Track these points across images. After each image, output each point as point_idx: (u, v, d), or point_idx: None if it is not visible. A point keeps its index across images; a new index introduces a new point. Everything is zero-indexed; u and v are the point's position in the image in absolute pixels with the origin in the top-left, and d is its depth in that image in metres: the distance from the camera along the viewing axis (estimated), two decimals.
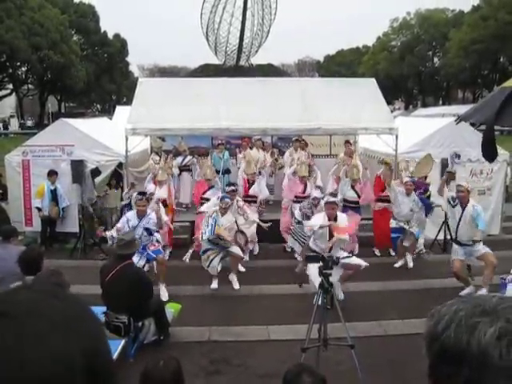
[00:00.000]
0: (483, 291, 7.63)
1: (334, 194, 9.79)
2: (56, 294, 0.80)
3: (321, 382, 3.00)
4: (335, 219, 7.91)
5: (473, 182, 11.53)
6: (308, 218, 8.99)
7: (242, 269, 9.45)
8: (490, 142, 4.93)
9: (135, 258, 8.10)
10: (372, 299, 8.12)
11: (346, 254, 7.90)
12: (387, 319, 7.35)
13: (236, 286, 8.82)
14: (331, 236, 7.74)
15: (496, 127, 5.92)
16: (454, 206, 8.26)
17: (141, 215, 8.47)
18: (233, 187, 9.60)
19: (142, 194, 9.03)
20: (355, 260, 7.96)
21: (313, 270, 7.16)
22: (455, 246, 8.31)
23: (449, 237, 10.73)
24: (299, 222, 9.28)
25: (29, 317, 0.73)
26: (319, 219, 7.96)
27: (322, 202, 8.68)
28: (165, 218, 9.07)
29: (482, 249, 8.14)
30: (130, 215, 8.58)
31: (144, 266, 8.18)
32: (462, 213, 8.12)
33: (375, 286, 8.81)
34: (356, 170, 10.52)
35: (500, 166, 11.71)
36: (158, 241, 8.62)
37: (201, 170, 11.14)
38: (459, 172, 11.25)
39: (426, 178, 10.60)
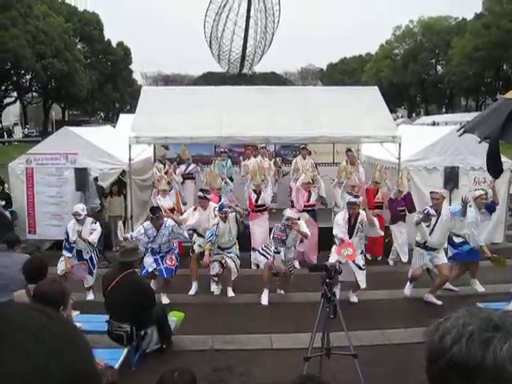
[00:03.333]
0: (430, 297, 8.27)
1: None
2: (43, 310, 0.80)
3: None
4: (356, 218, 8.36)
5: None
6: (283, 242, 8.58)
7: (230, 293, 8.99)
8: (495, 157, 4.87)
9: (149, 259, 8.44)
10: (375, 308, 8.10)
11: (361, 263, 8.32)
12: (391, 328, 7.32)
13: (230, 294, 8.98)
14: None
15: None
16: (428, 221, 8.25)
17: (158, 229, 8.46)
18: (200, 193, 9.41)
19: (156, 209, 8.91)
20: (360, 276, 8.27)
21: None
22: (421, 251, 8.40)
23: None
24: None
25: (12, 330, 0.72)
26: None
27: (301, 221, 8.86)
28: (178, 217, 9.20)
29: (442, 258, 8.38)
30: (147, 225, 8.57)
31: (152, 272, 8.42)
32: (438, 218, 8.24)
33: (379, 295, 8.79)
34: (353, 178, 10.74)
35: (503, 174, 11.66)
36: (176, 257, 8.68)
37: (211, 181, 10.74)
38: (462, 180, 11.26)
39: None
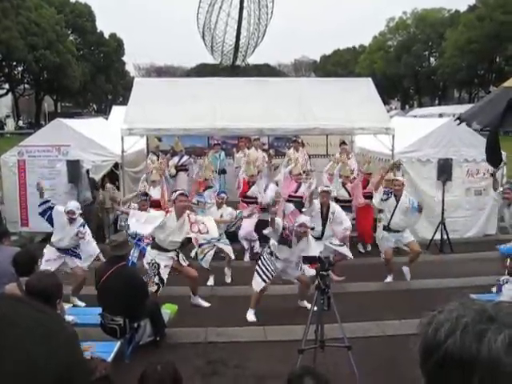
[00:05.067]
0: (389, 279, 9.05)
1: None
2: (31, 304, 0.77)
3: None
4: (327, 209, 8.86)
5: (469, 182, 11.57)
6: (287, 244, 7.51)
7: (228, 279, 9.20)
8: (495, 147, 4.83)
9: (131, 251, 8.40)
10: (369, 300, 8.10)
11: (338, 243, 8.82)
12: (385, 320, 7.34)
13: (228, 279, 9.16)
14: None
15: None
16: (386, 200, 8.94)
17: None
18: (181, 191, 8.13)
19: (145, 194, 9.27)
20: (344, 250, 8.79)
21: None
22: (386, 234, 9.03)
23: (445, 237, 10.78)
24: (271, 253, 7.66)
25: (4, 326, 0.69)
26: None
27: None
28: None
29: (409, 236, 9.06)
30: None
31: (138, 257, 8.59)
32: (397, 204, 8.84)
33: (372, 287, 8.82)
34: (348, 168, 10.86)
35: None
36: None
37: (203, 172, 10.95)
38: (456, 172, 11.25)
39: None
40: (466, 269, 9.35)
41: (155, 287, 7.31)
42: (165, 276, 7.43)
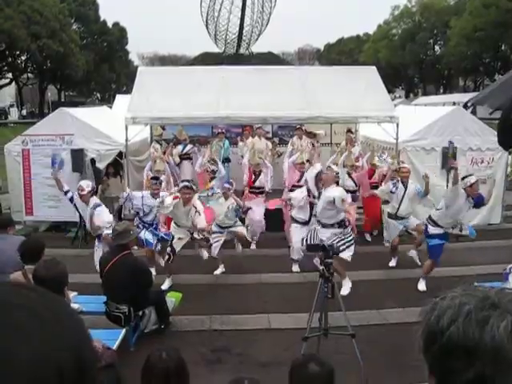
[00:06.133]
0: (393, 262, 9.31)
1: None
2: (36, 289, 0.77)
3: (329, 372, 2.94)
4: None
5: (474, 170, 11.51)
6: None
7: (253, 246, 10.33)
8: (507, 129, 4.69)
9: (148, 235, 8.73)
10: (372, 288, 8.12)
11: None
12: (388, 308, 7.36)
13: (239, 249, 9.66)
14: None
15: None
16: (395, 191, 9.06)
17: (156, 197, 8.74)
18: (186, 183, 8.46)
19: (156, 178, 9.28)
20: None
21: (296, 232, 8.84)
22: (394, 222, 9.22)
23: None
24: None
25: (6, 307, 0.69)
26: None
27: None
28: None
29: (415, 220, 9.35)
30: (146, 194, 8.94)
31: (157, 244, 8.81)
32: (405, 191, 8.99)
33: (375, 275, 8.84)
34: (352, 156, 10.87)
35: (501, 155, 11.64)
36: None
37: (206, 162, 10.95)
38: (460, 161, 11.22)
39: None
40: (470, 257, 9.34)
41: (167, 256, 8.22)
42: (177, 247, 8.23)
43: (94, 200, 8.23)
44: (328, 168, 9.15)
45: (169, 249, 8.21)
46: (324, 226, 8.02)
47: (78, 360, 0.70)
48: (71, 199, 8.45)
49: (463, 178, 8.06)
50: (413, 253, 9.27)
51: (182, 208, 8.21)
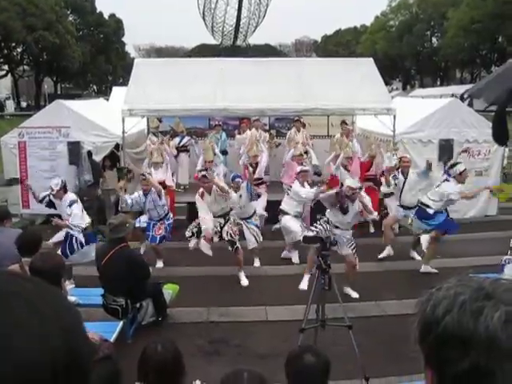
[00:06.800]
0: (386, 252, 9.24)
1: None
2: (30, 279, 0.77)
3: (324, 363, 2.97)
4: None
5: (470, 162, 11.53)
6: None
7: (257, 263, 9.15)
8: (501, 124, 4.65)
9: (143, 218, 9.03)
10: (370, 280, 8.14)
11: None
12: (385, 299, 7.39)
13: (256, 263, 9.16)
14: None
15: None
16: (396, 183, 9.14)
17: (146, 193, 8.87)
18: (204, 172, 8.66)
19: (142, 175, 9.34)
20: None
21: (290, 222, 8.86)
22: (403, 211, 9.20)
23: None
24: (327, 221, 7.65)
25: (2, 296, 0.68)
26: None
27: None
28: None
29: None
30: (139, 193, 9.02)
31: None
32: (405, 180, 9.05)
33: (373, 267, 8.85)
34: (349, 148, 10.72)
35: (497, 147, 11.65)
36: (166, 227, 9.04)
37: (204, 154, 10.67)
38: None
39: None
40: (466, 249, 9.36)
41: (189, 233, 8.55)
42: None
43: (70, 197, 8.00)
44: (327, 166, 9.15)
45: (195, 229, 8.51)
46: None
47: (73, 352, 0.70)
48: (50, 203, 8.23)
49: (453, 166, 8.49)
50: (414, 254, 9.37)
51: (208, 198, 8.43)
